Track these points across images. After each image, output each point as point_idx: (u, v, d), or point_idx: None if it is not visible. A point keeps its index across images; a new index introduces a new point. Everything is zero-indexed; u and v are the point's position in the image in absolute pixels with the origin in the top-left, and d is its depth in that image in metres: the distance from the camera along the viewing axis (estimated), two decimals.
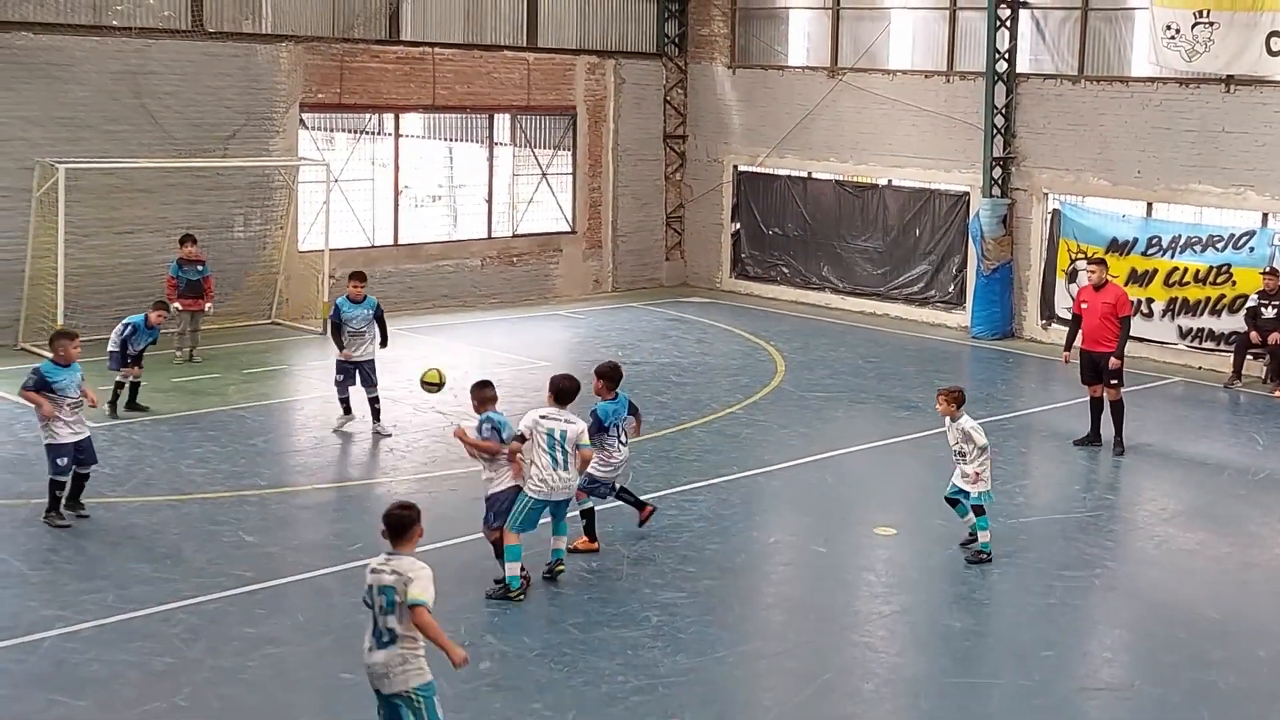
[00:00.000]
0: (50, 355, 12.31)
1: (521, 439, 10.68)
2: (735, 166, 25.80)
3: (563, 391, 10.86)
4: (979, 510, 11.71)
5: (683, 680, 9.37)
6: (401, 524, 7.33)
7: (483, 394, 10.90)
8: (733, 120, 25.70)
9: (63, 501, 12.05)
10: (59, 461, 11.97)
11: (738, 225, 25.95)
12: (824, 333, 22.20)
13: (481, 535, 11.04)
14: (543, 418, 10.73)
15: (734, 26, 25.77)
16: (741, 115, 25.57)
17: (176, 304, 18.18)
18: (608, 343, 20.74)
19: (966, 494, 11.72)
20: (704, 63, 26.05)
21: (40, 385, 11.98)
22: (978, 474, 11.62)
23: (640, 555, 11.58)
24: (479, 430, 10.72)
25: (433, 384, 11.94)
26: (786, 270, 25.28)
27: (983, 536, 11.74)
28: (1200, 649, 10.18)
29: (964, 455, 11.67)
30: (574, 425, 10.75)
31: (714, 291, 25.70)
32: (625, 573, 11.25)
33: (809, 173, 24.89)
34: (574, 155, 25.11)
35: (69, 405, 12.04)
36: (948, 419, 11.78)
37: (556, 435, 10.65)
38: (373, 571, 7.28)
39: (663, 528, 12.26)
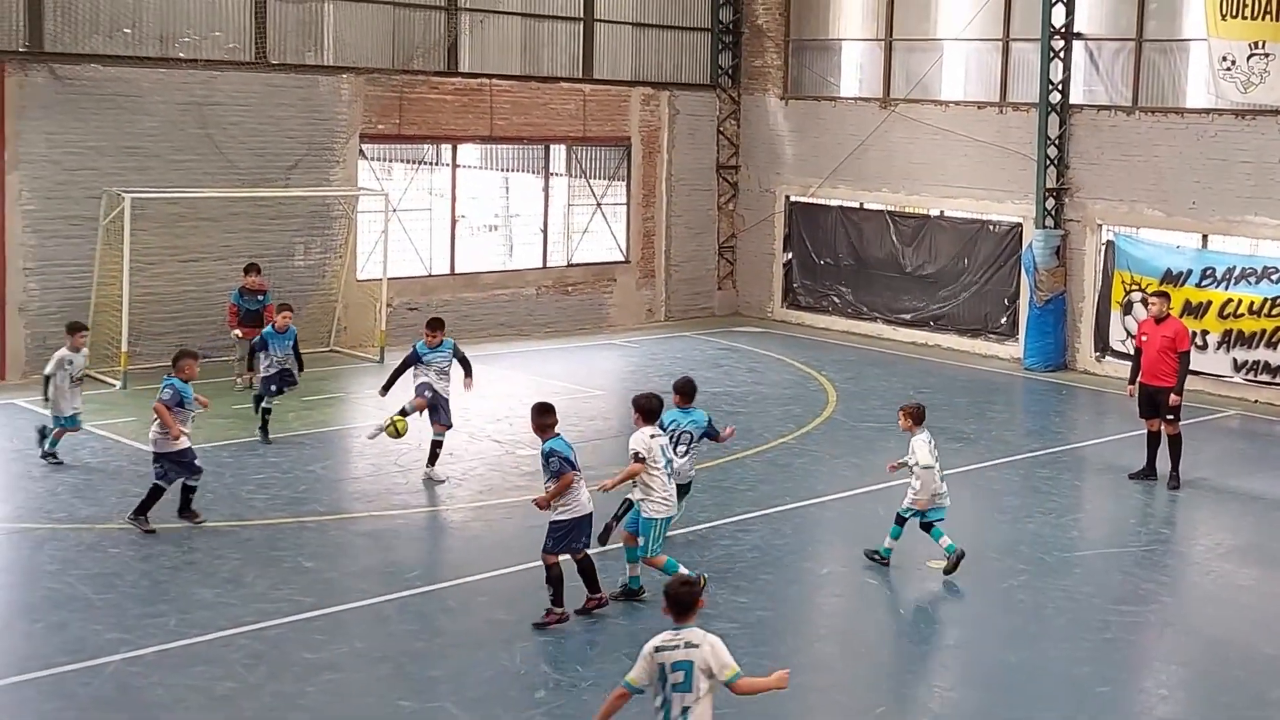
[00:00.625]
0: (175, 373, 12.87)
1: (639, 458, 10.80)
2: (787, 197, 25.82)
3: (652, 412, 11.07)
4: (900, 520, 12.08)
5: (736, 712, 9.33)
6: (689, 601, 7.23)
7: (542, 420, 10.76)
8: (785, 151, 25.73)
9: (150, 508, 12.59)
10: (166, 468, 12.63)
11: (790, 255, 25.95)
12: (875, 363, 22.13)
13: (537, 564, 11.00)
14: (652, 437, 10.93)
15: (787, 58, 25.83)
16: (794, 146, 25.60)
17: (237, 331, 18.40)
18: (661, 371, 20.74)
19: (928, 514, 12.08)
20: (757, 94, 26.11)
21: (177, 401, 12.63)
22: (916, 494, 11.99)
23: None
24: (545, 463, 10.60)
25: (395, 435, 13.87)
26: (838, 300, 25.23)
27: (887, 542, 12.12)
28: (1258, 687, 10.04)
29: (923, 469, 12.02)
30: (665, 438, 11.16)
31: (766, 321, 25.69)
32: None
33: (861, 203, 24.86)
34: (628, 185, 25.23)
35: (192, 418, 12.95)
36: (916, 432, 12.06)
37: (665, 452, 10.98)
38: (658, 650, 7.10)
39: (716, 558, 12.26)
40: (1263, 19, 19.48)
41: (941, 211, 23.79)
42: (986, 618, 11.33)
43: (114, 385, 18.16)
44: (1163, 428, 15.08)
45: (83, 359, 14.85)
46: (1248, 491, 15.40)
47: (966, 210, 23.42)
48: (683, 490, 11.94)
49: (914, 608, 11.60)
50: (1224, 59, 20.00)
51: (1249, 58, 19.76)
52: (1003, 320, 23.12)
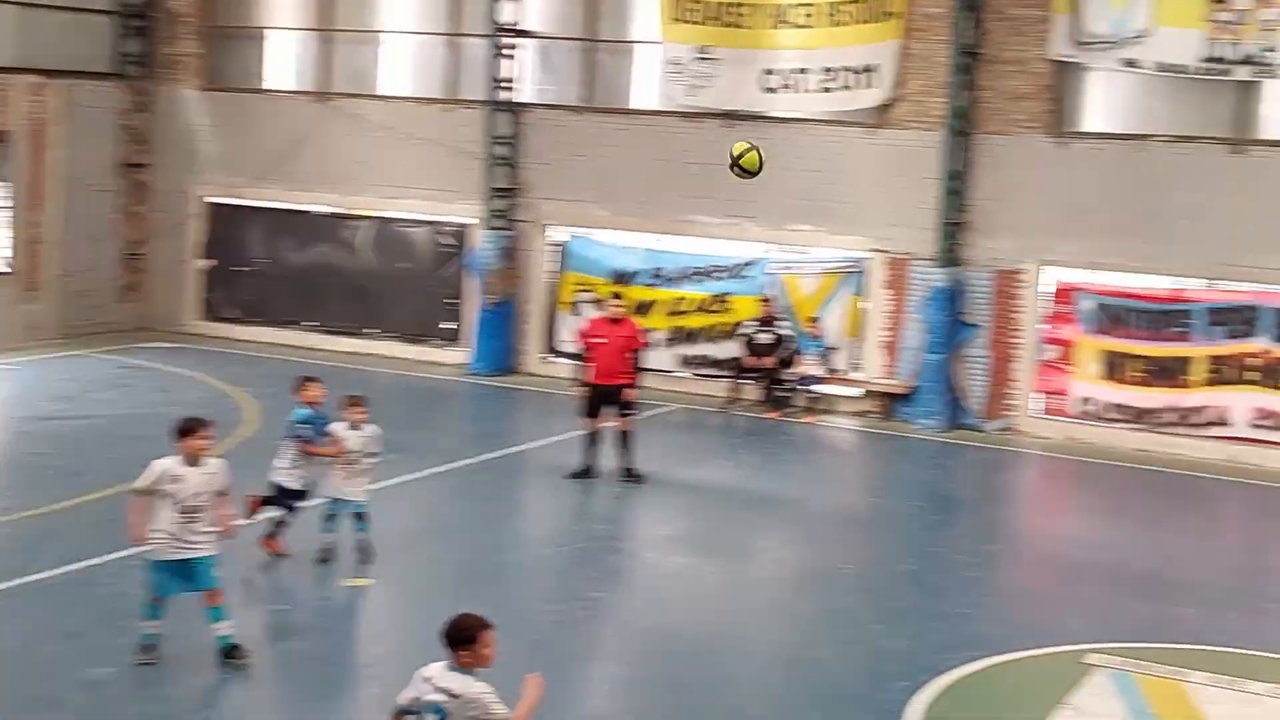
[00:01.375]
0: None
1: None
2: (206, 199, 24.83)
3: None
4: (360, 516, 12.65)
5: None
6: (457, 637, 6.86)
7: None
8: (205, 148, 24.78)
9: None
10: None
11: (210, 262, 24.94)
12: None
13: None
14: None
15: (208, 46, 24.89)
16: (216, 143, 24.73)
17: None
18: (49, 395, 19.39)
19: (349, 502, 12.61)
20: (171, 85, 24.97)
21: None
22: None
23: (71, 630, 10.69)
24: None
25: (741, 157, 12.96)
26: (266, 310, 24.53)
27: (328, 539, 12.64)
28: (679, 673, 10.55)
29: (370, 458, 12.72)
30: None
31: (181, 335, 24.51)
32: (48, 651, 10.31)
33: (295, 205, 24.30)
34: (14, 187, 23.29)
35: None
36: (361, 427, 12.82)
37: None
38: (424, 680, 6.90)
39: (101, 597, 11.45)
40: (708, 24, 21.01)
41: (384, 213, 23.65)
42: (409, 632, 11.10)
43: None
44: (617, 423, 15.89)
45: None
46: (685, 482, 16.51)
47: (412, 211, 23.48)
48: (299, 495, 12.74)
49: (329, 621, 11.17)
50: (673, 62, 21.26)
51: (695, 60, 21.08)
52: (447, 325, 23.34)
